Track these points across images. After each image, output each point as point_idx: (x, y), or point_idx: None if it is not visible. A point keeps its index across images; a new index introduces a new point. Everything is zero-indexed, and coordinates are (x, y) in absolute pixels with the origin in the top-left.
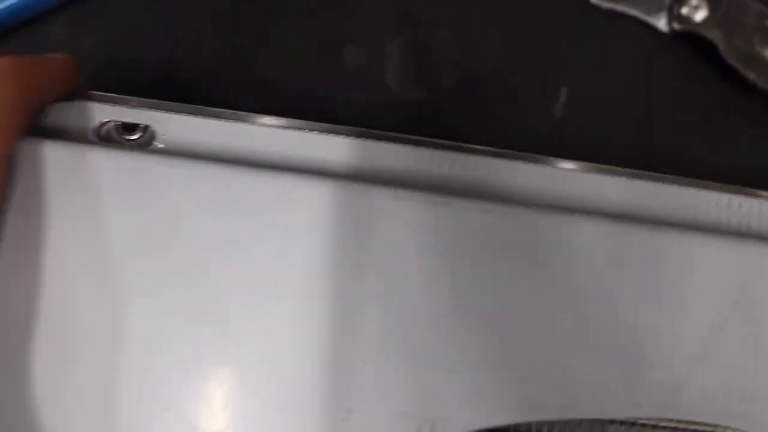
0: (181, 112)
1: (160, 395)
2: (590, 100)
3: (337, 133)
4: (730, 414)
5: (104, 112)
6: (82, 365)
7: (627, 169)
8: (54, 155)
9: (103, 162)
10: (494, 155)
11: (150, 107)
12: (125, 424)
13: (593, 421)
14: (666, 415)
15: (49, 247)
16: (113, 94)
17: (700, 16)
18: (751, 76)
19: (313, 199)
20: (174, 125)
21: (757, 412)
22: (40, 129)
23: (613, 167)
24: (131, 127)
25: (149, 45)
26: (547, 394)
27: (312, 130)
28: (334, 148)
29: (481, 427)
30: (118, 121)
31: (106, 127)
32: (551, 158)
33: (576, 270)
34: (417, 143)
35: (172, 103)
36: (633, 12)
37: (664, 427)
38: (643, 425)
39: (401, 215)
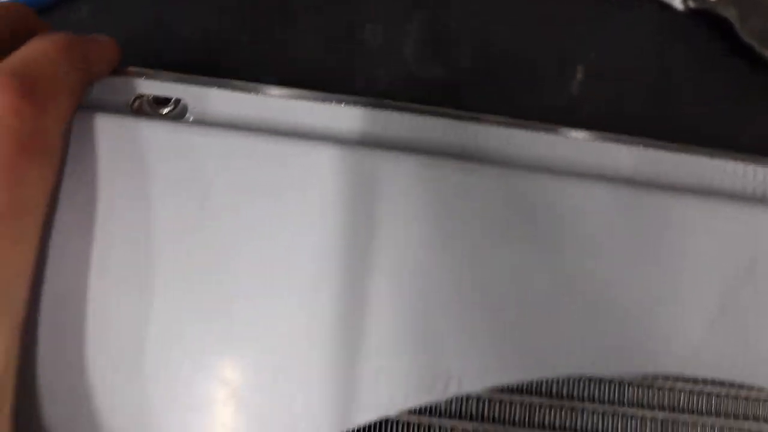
0: (213, 86)
1: (195, 358)
2: (606, 77)
3: (362, 104)
4: (747, 372)
5: (137, 87)
6: (119, 328)
7: (639, 138)
8: (97, 126)
9: (145, 132)
10: (508, 125)
11: (182, 81)
12: (162, 385)
13: (611, 383)
14: (685, 371)
15: (90, 219)
16: (145, 69)
17: None
18: (766, 53)
19: (335, 164)
20: (205, 99)
21: None
22: None
23: (625, 136)
24: (163, 101)
25: (166, 34)
26: (563, 352)
27: (339, 102)
28: (358, 118)
29: (497, 383)
30: (151, 95)
31: (138, 101)
32: (565, 128)
33: (592, 232)
34: (434, 114)
35: (203, 77)
36: None
37: (680, 391)
38: (659, 389)
39: (415, 179)
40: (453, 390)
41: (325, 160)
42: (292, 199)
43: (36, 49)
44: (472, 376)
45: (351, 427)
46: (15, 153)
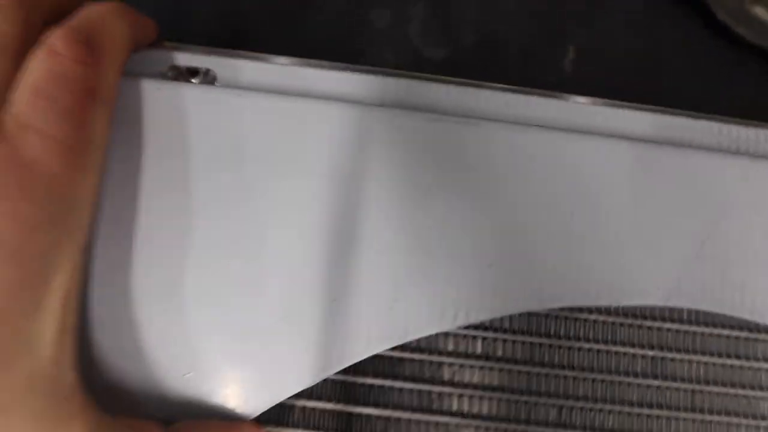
0: (239, 57)
1: (230, 289)
2: (595, 56)
3: (373, 73)
4: (725, 302)
5: (171, 58)
6: (164, 262)
7: (630, 103)
8: (140, 90)
9: (181, 95)
10: (506, 90)
11: (210, 53)
12: (204, 314)
13: (605, 323)
14: (670, 302)
15: (138, 172)
16: (177, 43)
17: None
18: (740, 30)
19: (344, 120)
20: (231, 68)
21: (749, 300)
22: None
23: (617, 101)
24: (194, 71)
25: (185, 19)
26: (559, 285)
27: (353, 71)
28: (368, 84)
29: (501, 314)
30: (183, 66)
31: (172, 71)
32: (564, 94)
33: (584, 182)
34: (441, 81)
35: (229, 50)
36: None
37: (667, 330)
38: (649, 328)
39: (422, 133)
40: (461, 320)
41: (334, 117)
42: (309, 150)
43: (96, 12)
44: (479, 307)
45: (371, 353)
46: (83, 97)
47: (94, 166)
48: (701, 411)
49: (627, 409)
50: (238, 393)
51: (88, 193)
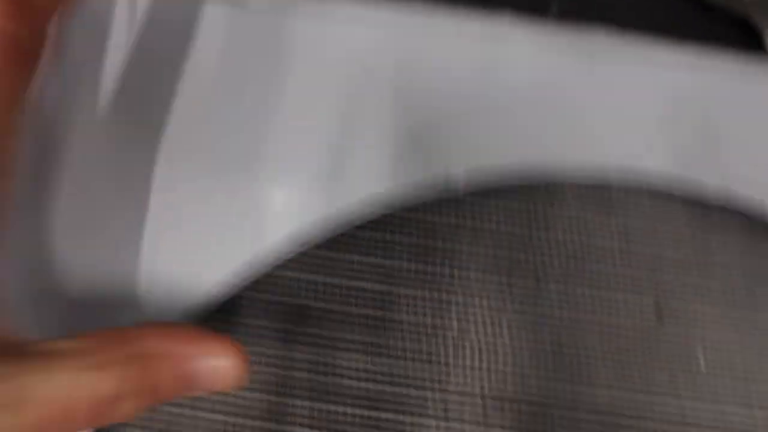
0: None
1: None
2: (576, 14)
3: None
4: (693, 167)
5: None
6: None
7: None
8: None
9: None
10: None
11: None
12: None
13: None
14: (640, 162)
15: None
16: None
17: None
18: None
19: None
20: None
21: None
22: None
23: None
24: None
25: None
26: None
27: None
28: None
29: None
30: None
31: None
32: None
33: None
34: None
35: None
36: None
37: (633, 221)
38: (615, 216)
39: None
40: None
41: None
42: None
43: None
44: (459, 160)
45: (379, 190)
46: (8, 51)
47: (16, 113)
48: (656, 288)
49: (596, 281)
50: (195, 272)
51: (9, 140)
